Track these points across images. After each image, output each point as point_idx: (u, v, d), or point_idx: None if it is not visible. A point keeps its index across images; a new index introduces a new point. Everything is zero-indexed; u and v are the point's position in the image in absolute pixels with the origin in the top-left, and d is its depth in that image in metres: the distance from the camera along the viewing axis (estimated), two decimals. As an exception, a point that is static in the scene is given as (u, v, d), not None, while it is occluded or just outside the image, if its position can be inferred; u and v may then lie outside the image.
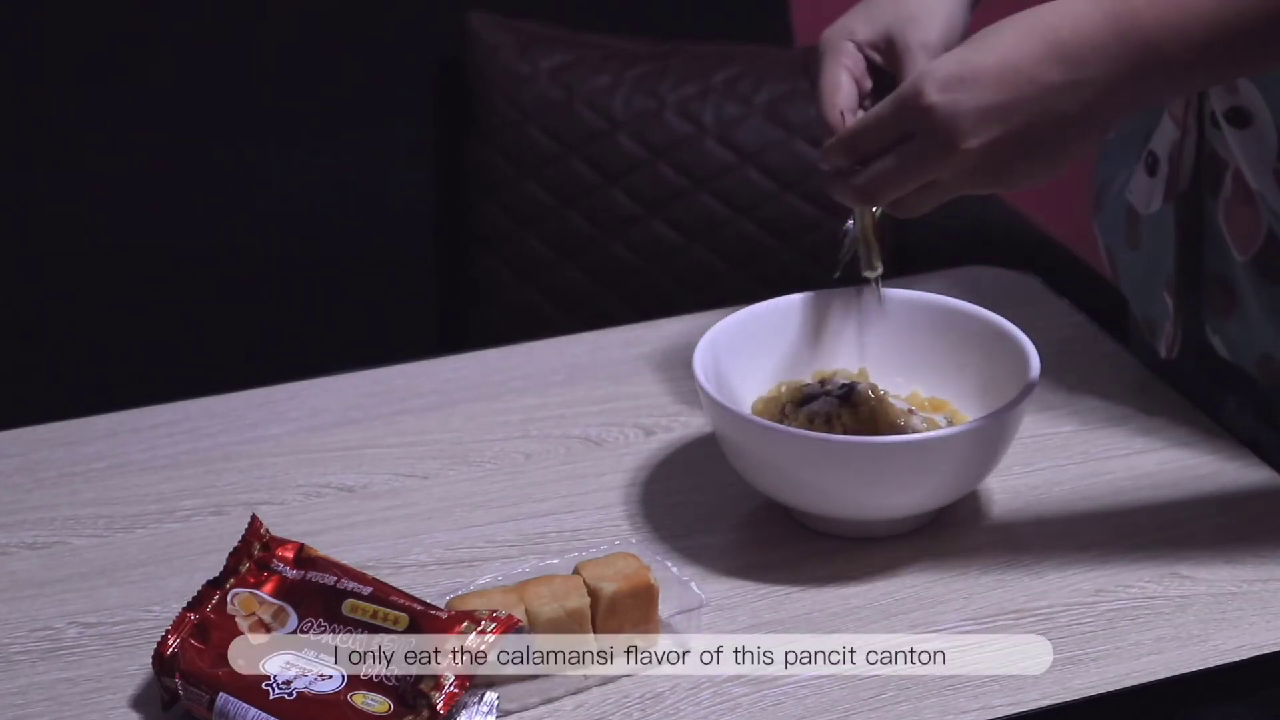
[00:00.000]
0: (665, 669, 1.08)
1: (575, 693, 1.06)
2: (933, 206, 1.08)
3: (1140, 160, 1.28)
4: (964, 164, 1.03)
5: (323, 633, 1.05)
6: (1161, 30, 1.01)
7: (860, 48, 1.13)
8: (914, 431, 1.19)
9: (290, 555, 1.09)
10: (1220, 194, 1.23)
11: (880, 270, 1.20)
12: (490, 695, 1.04)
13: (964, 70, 1.02)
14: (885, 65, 1.13)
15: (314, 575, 1.08)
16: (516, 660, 1.04)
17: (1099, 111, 1.03)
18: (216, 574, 1.09)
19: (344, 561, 1.10)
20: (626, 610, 1.07)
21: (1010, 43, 1.02)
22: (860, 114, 1.10)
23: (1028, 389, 1.16)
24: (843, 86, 1.12)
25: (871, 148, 1.05)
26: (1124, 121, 1.06)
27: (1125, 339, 1.42)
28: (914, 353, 1.27)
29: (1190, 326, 1.29)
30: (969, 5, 1.16)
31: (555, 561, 1.13)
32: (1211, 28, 1.00)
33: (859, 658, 1.08)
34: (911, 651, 1.09)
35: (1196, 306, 1.28)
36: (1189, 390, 1.32)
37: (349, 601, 1.06)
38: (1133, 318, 1.41)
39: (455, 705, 1.01)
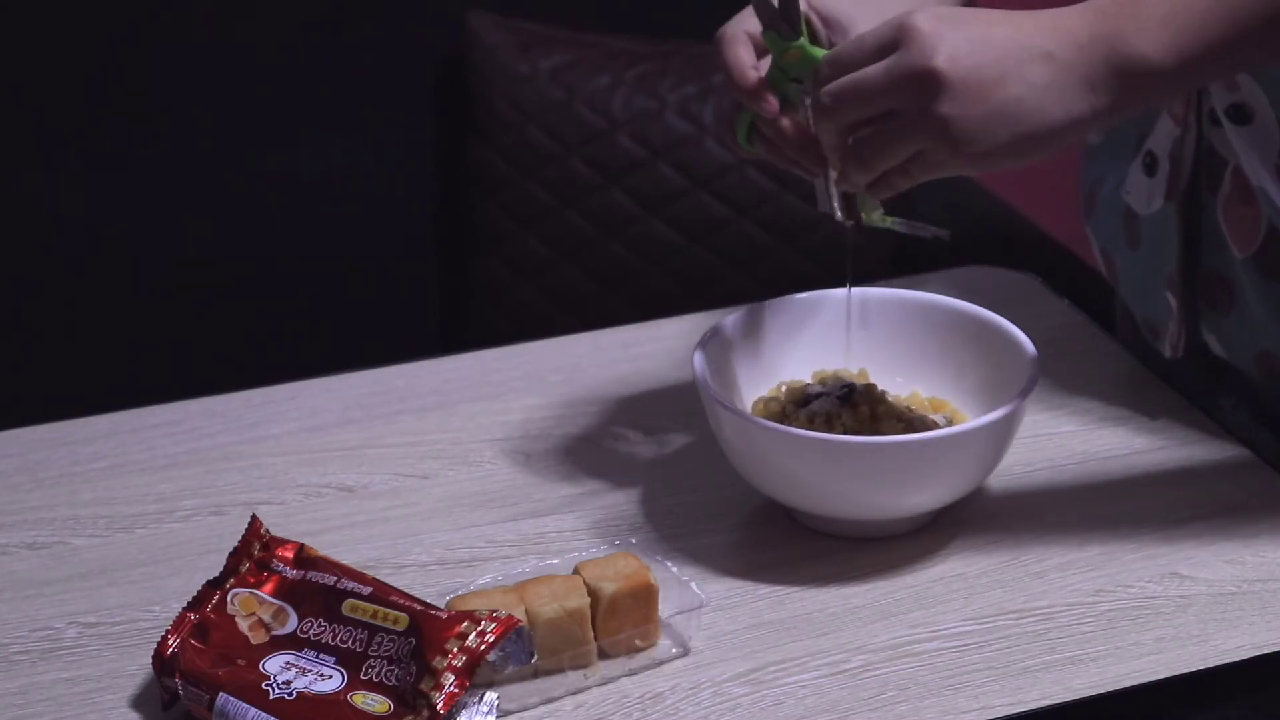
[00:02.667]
0: (665, 669, 1.08)
1: (575, 693, 1.06)
2: (907, 181, 1.08)
3: (1136, 161, 1.29)
4: (931, 88, 1.03)
5: (323, 633, 1.05)
6: (1121, 20, 1.04)
7: (814, 8, 1.16)
8: (914, 431, 1.19)
9: (290, 555, 1.09)
10: (1219, 191, 1.23)
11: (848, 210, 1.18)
12: (490, 695, 1.04)
13: (955, 13, 1.05)
14: (828, 42, 1.16)
15: (314, 575, 1.08)
16: (516, 660, 1.04)
17: (1072, 95, 1.04)
18: (216, 574, 1.09)
19: (344, 561, 1.10)
20: (626, 610, 1.07)
21: (998, 14, 1.06)
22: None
23: (1028, 389, 1.16)
24: (747, 53, 1.14)
25: (855, 65, 1.06)
26: (1106, 125, 1.07)
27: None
28: (914, 353, 1.27)
29: (1188, 325, 1.29)
30: None
31: (555, 561, 1.13)
32: (1167, 20, 1.04)
33: (859, 658, 1.09)
34: (911, 651, 1.09)
35: (1193, 304, 1.28)
36: (1184, 389, 1.32)
37: (349, 601, 1.06)
38: (1122, 318, 1.42)
39: (455, 705, 1.01)
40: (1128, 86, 1.05)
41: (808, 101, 1.12)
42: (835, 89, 1.07)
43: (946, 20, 1.04)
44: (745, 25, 1.15)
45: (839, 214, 1.16)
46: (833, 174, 1.14)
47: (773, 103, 1.13)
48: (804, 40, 1.12)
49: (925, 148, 1.06)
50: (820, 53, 1.11)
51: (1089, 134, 1.08)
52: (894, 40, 1.05)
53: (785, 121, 1.14)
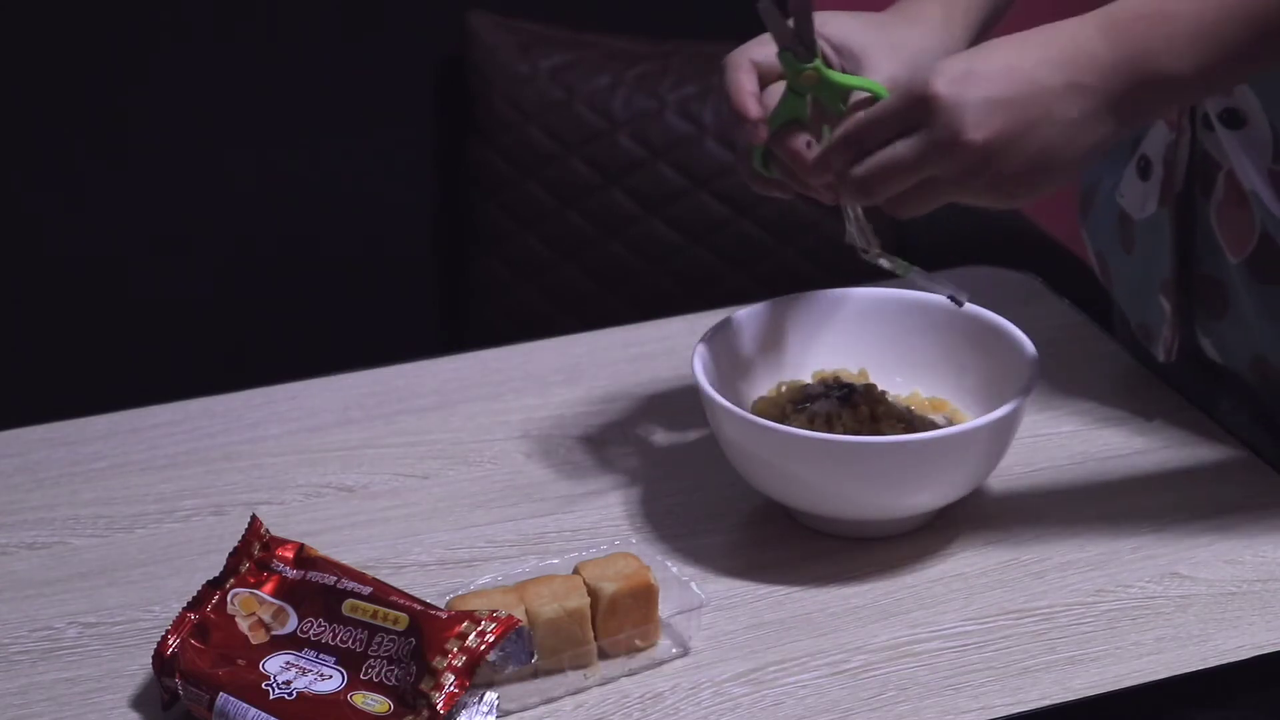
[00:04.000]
0: (665, 669, 1.08)
1: (575, 693, 1.06)
2: (929, 207, 1.08)
3: (1130, 164, 1.28)
4: (965, 159, 1.04)
5: (323, 633, 1.05)
6: (1151, 40, 1.04)
7: (822, 38, 1.15)
8: (914, 431, 1.19)
9: (290, 555, 1.09)
10: (1212, 196, 1.23)
11: (878, 246, 1.18)
12: (490, 695, 1.04)
13: (970, 66, 1.04)
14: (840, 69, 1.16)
15: (314, 575, 1.08)
16: (516, 660, 1.04)
17: (1098, 121, 1.05)
18: (216, 574, 1.09)
19: (344, 561, 1.10)
20: (626, 610, 1.07)
21: (1013, 49, 1.05)
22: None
23: (1028, 389, 1.16)
24: (749, 80, 1.14)
25: (875, 140, 1.06)
26: (1126, 134, 1.08)
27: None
28: (914, 353, 1.27)
29: (1182, 330, 1.29)
30: (942, 49, 1.17)
31: (555, 561, 1.13)
32: (1196, 38, 1.03)
33: (859, 658, 1.09)
34: (911, 651, 1.09)
35: (1187, 309, 1.28)
36: (1183, 390, 1.32)
37: (349, 601, 1.06)
38: (1118, 321, 1.42)
39: (455, 705, 1.01)
40: (1150, 102, 1.06)
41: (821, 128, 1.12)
42: (868, 173, 1.06)
43: (962, 81, 1.03)
44: (751, 53, 1.15)
45: (872, 246, 1.17)
46: (857, 208, 1.15)
47: (762, 132, 1.13)
48: (819, 63, 1.12)
49: (961, 199, 1.07)
50: (836, 76, 1.12)
51: (1107, 149, 1.09)
52: (914, 115, 1.04)
53: (800, 144, 1.12)
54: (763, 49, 1.14)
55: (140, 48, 1.97)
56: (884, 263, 1.19)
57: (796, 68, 1.12)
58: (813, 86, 1.12)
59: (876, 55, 1.15)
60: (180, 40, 1.98)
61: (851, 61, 1.15)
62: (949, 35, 1.18)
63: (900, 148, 1.05)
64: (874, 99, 1.10)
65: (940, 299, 1.26)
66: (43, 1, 1.93)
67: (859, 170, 1.07)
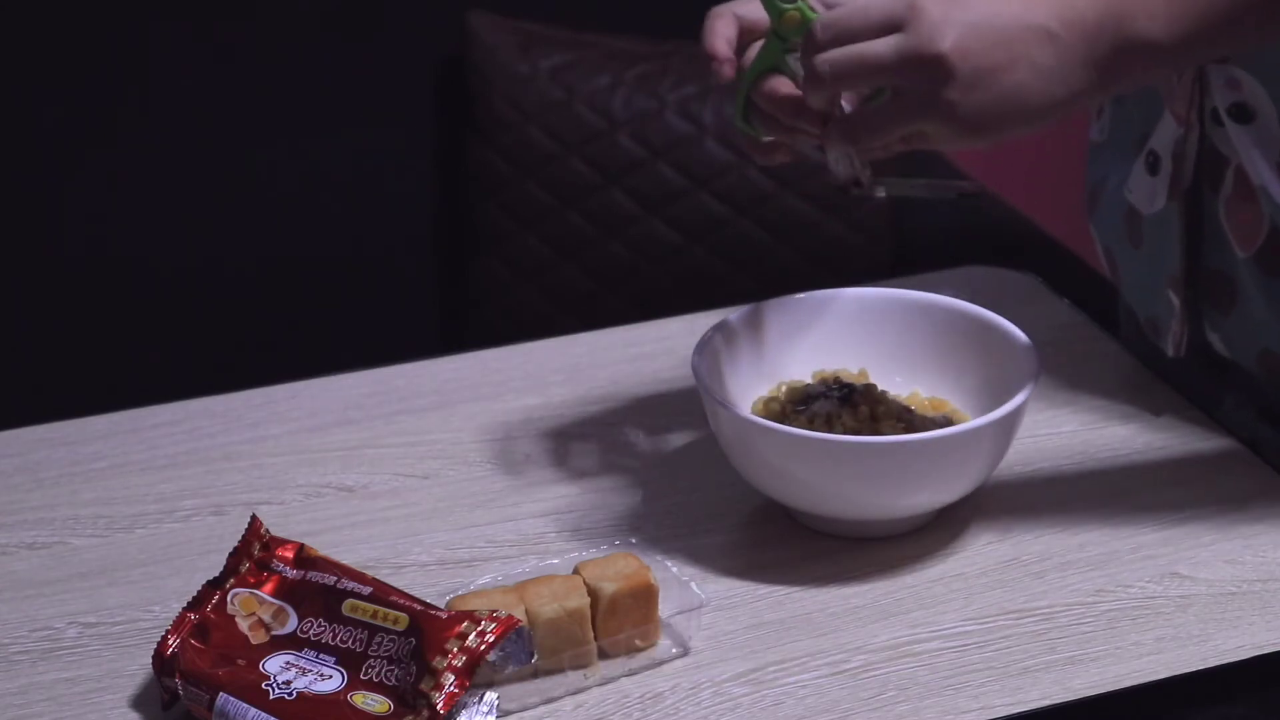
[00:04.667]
0: (665, 669, 1.08)
1: (575, 693, 1.06)
2: (889, 128, 1.07)
3: (1139, 160, 1.28)
4: (937, 74, 1.03)
5: (323, 633, 1.05)
6: (1133, 6, 1.04)
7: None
8: (914, 431, 1.19)
9: (290, 555, 1.09)
10: (1221, 191, 1.23)
11: (869, 172, 1.17)
12: (490, 695, 1.04)
13: None
14: None
15: (314, 575, 1.08)
16: (516, 660, 1.04)
17: (1074, 75, 1.05)
18: (216, 574, 1.09)
19: (344, 561, 1.10)
20: (626, 610, 1.07)
21: None
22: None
23: (1028, 389, 1.16)
24: (725, 27, 1.14)
25: (856, 35, 1.05)
26: (1100, 100, 1.07)
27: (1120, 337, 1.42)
28: (914, 353, 1.27)
29: (1191, 324, 1.29)
30: None
31: (555, 561, 1.13)
32: (1172, 2, 1.04)
33: (859, 658, 1.09)
34: (911, 651, 1.09)
35: (1195, 304, 1.28)
36: (1186, 388, 1.32)
37: (349, 601, 1.06)
38: (1124, 317, 1.41)
39: (455, 705, 1.01)
40: (1127, 65, 1.06)
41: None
42: (836, 60, 1.05)
43: (953, 2, 1.04)
44: (735, 6, 1.15)
45: (860, 177, 1.14)
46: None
47: (728, 69, 1.12)
48: (801, 3, 1.10)
49: (925, 127, 1.06)
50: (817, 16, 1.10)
51: (1082, 108, 1.09)
52: (900, 18, 1.04)
53: (782, 89, 1.12)
54: (747, 4, 1.14)
55: (139, 47, 1.97)
56: (880, 191, 1.16)
57: (779, 8, 1.10)
58: (795, 28, 1.10)
59: None
60: (180, 40, 1.98)
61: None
62: None
63: (876, 46, 1.04)
64: None
65: (942, 299, 1.26)
66: (44, 1, 1.93)
67: (829, 55, 1.05)
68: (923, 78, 1.04)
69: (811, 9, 1.10)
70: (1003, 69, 1.03)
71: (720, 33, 1.13)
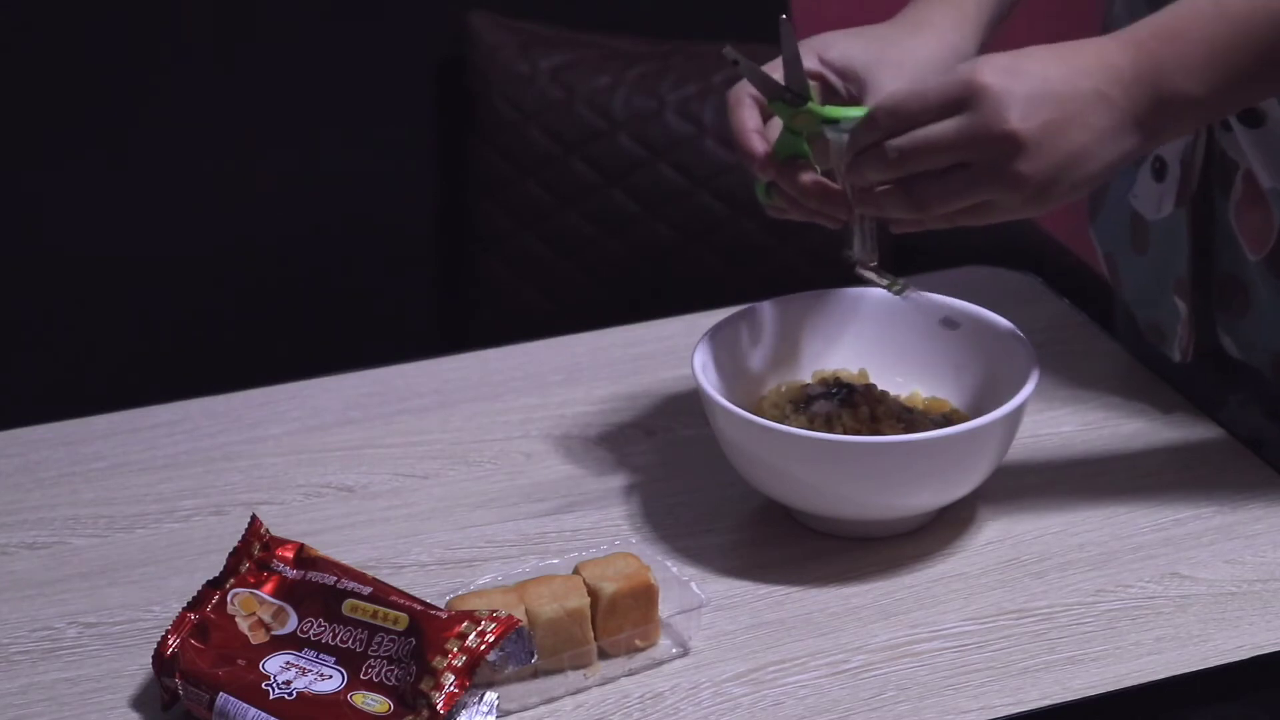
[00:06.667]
0: (665, 669, 1.08)
1: (575, 693, 1.06)
2: (950, 200, 1.08)
3: (1144, 166, 1.29)
4: (1004, 148, 1.04)
5: (323, 633, 1.05)
6: (1166, 59, 1.06)
7: (824, 65, 1.17)
8: (914, 431, 1.19)
9: (290, 555, 1.10)
10: (1231, 195, 1.23)
11: (876, 259, 1.19)
12: (490, 695, 1.04)
13: (1016, 63, 1.06)
14: (845, 92, 1.17)
15: (314, 575, 1.08)
16: (516, 660, 1.04)
17: (1124, 134, 1.06)
18: (216, 574, 1.09)
19: (344, 561, 1.10)
20: (626, 610, 1.07)
21: (1049, 54, 1.07)
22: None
23: (1028, 389, 1.16)
24: (751, 117, 1.16)
25: (913, 120, 1.06)
26: (1150, 150, 1.10)
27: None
28: (914, 353, 1.27)
29: (1200, 328, 1.29)
30: (950, 56, 1.18)
31: (555, 561, 1.13)
32: (1209, 60, 1.06)
33: (859, 658, 1.09)
34: (911, 651, 1.09)
35: (1206, 308, 1.28)
36: (1186, 387, 1.32)
37: (349, 601, 1.06)
38: (1123, 321, 1.41)
39: (455, 705, 1.01)
40: (1169, 120, 1.08)
41: (826, 154, 1.13)
42: (904, 147, 1.07)
43: (1009, 74, 1.05)
44: (750, 88, 1.16)
45: (872, 259, 1.17)
46: (866, 222, 1.16)
47: (771, 169, 1.14)
48: (812, 104, 1.13)
49: (994, 197, 1.07)
50: (830, 111, 1.13)
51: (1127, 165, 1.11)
52: (962, 98, 1.05)
53: (805, 178, 1.14)
54: (842, 50, 1.17)
55: (140, 48, 1.97)
56: (883, 281, 1.19)
57: (790, 113, 1.14)
58: (809, 123, 1.13)
59: (880, 73, 1.16)
60: (180, 40, 1.98)
61: (855, 83, 1.17)
62: (960, 37, 1.19)
63: (943, 129, 1.06)
64: None
65: (942, 299, 1.26)
66: (49, 2, 1.93)
67: (896, 142, 1.07)
68: (992, 153, 1.05)
69: (819, 104, 1.13)
70: (1064, 136, 1.05)
71: (748, 126, 1.15)
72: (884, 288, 1.19)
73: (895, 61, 1.16)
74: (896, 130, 1.07)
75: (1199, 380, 1.32)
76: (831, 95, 1.17)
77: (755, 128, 1.15)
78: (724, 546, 1.19)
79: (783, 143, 1.14)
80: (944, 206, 1.08)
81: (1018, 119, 1.04)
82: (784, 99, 1.14)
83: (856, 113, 1.12)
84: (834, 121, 1.13)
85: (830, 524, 1.18)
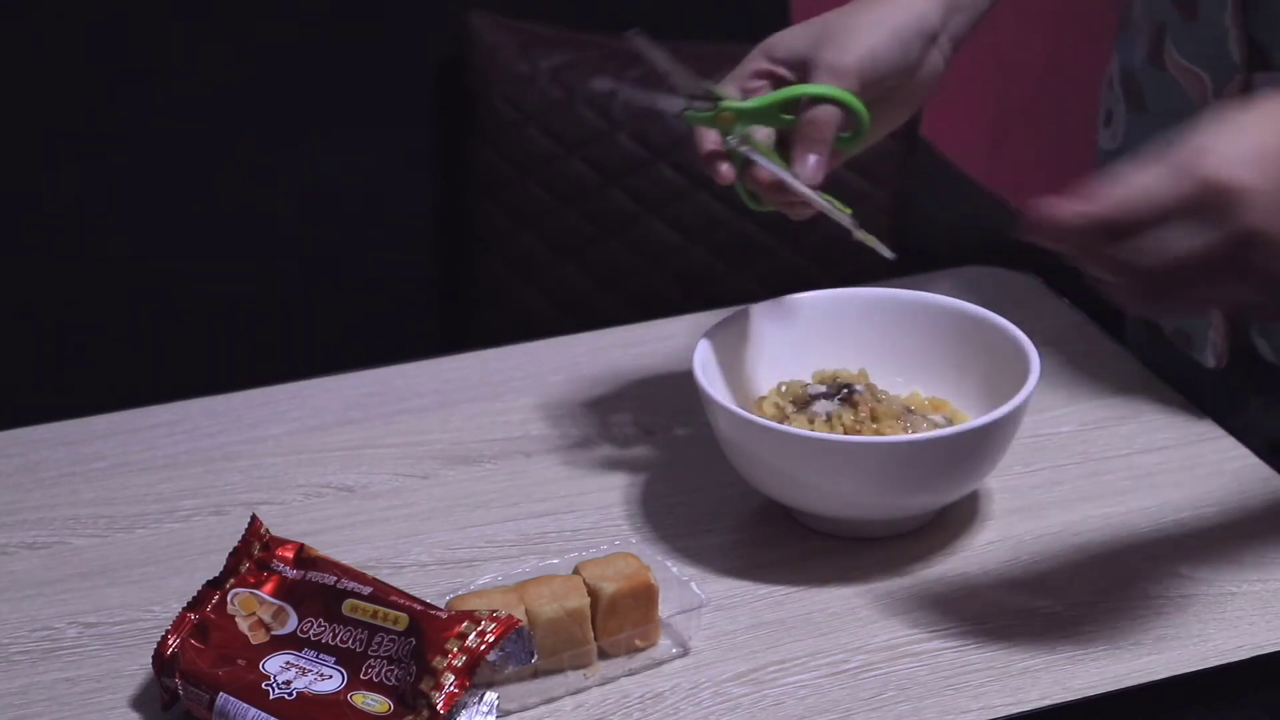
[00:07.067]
0: (665, 669, 1.08)
1: (575, 693, 1.06)
2: (1199, 303, 1.04)
3: None
4: (1263, 248, 0.95)
5: (323, 633, 1.05)
6: None
7: (773, 63, 1.17)
8: (914, 431, 1.19)
9: (290, 555, 1.10)
10: None
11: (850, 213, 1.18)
12: (490, 695, 1.04)
13: (1234, 144, 0.96)
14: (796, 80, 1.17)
15: (314, 575, 1.08)
16: (516, 660, 1.04)
17: None
18: (216, 574, 1.09)
19: (344, 561, 1.10)
20: (626, 610, 1.07)
21: (1261, 124, 0.98)
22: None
23: (1028, 389, 1.16)
24: (708, 139, 1.17)
25: (1144, 219, 0.96)
26: None
27: (1123, 340, 1.42)
28: (914, 353, 1.27)
29: (1233, 332, 1.28)
30: (914, 41, 1.17)
31: (555, 561, 1.13)
32: None
33: (859, 658, 1.09)
34: (911, 651, 1.09)
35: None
36: (1209, 392, 1.31)
37: (349, 601, 1.06)
38: (1132, 327, 1.41)
39: (455, 705, 1.01)
40: None
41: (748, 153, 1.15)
42: (1163, 270, 0.95)
43: (1243, 165, 0.94)
44: (774, 49, 1.16)
45: (858, 227, 1.18)
46: (819, 198, 1.16)
47: (724, 173, 1.16)
48: (726, 101, 1.15)
49: (1242, 296, 0.98)
50: (748, 104, 1.15)
51: None
52: (1198, 200, 0.95)
53: (761, 174, 1.16)
54: (788, 45, 1.17)
55: (140, 48, 1.97)
56: (881, 248, 1.18)
57: (709, 117, 1.15)
58: (733, 124, 1.15)
59: (825, 52, 1.15)
60: (180, 40, 1.98)
61: (801, 69, 1.16)
62: (927, 6, 1.17)
63: (1192, 245, 0.95)
64: (819, 99, 1.13)
65: (942, 299, 1.26)
66: (46, 2, 1.93)
67: (1146, 262, 0.96)
68: (1244, 254, 0.96)
69: (731, 98, 1.15)
70: None
71: (707, 145, 1.16)
72: (883, 252, 1.18)
73: (840, 36, 1.15)
74: (1123, 231, 0.96)
75: (1220, 384, 1.32)
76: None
77: (712, 138, 1.16)
78: (724, 546, 1.19)
79: (728, 147, 1.16)
80: (1197, 305, 1.04)
81: (1263, 218, 0.94)
82: (695, 107, 1.15)
83: (765, 100, 1.15)
84: (758, 112, 1.15)
85: (830, 524, 1.18)
